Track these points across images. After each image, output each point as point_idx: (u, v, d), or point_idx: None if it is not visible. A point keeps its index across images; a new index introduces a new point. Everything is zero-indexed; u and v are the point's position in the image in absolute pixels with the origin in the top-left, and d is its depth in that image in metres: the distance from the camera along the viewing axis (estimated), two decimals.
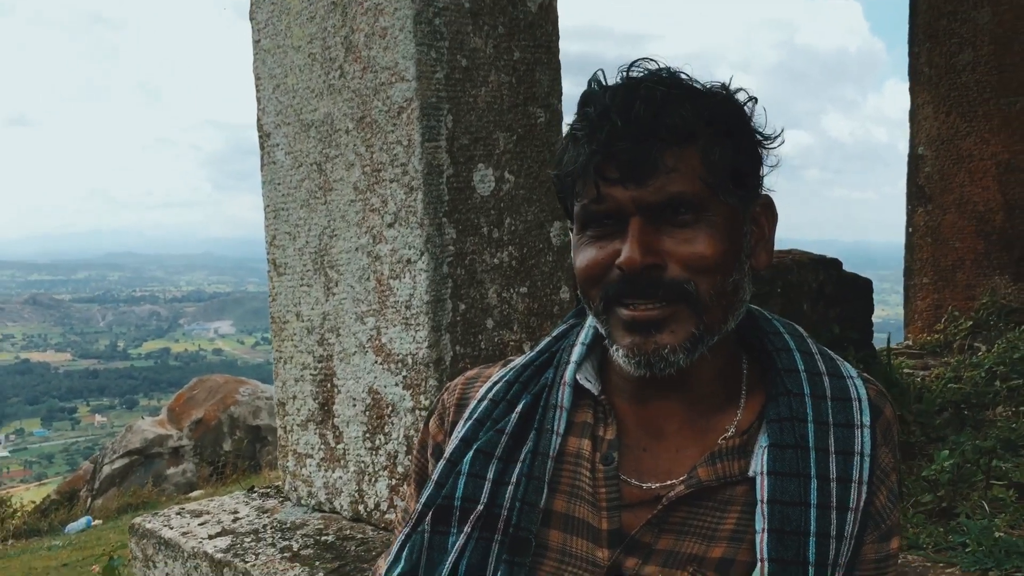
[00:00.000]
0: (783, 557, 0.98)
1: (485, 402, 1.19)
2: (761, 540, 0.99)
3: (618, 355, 1.06)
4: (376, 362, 2.50)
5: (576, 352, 1.18)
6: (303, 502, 2.81)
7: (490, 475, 1.12)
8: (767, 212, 1.11)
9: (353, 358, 2.57)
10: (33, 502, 13.40)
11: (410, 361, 2.41)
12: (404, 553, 1.12)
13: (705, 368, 1.08)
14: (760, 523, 1.00)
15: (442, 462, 1.16)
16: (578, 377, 1.15)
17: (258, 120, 2.83)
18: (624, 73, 1.05)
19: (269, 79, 2.77)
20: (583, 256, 1.06)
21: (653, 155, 0.99)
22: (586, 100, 1.05)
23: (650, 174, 0.99)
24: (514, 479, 1.11)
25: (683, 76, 1.05)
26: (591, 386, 1.14)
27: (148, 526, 2.73)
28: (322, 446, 2.71)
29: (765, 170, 1.11)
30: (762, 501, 1.01)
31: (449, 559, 1.09)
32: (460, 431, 1.17)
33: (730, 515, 1.04)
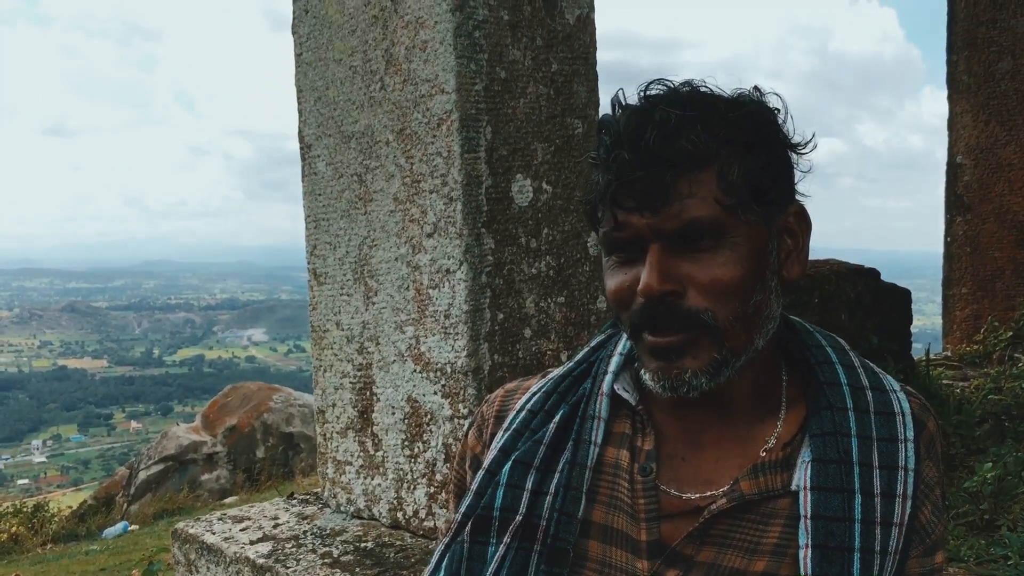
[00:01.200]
0: (827, 572, 0.97)
1: (523, 413, 1.20)
2: (805, 555, 0.99)
3: (646, 378, 1.07)
4: (415, 371, 2.53)
5: (614, 362, 1.18)
6: (342, 509, 2.84)
7: (528, 485, 1.12)
8: (800, 221, 1.10)
9: (392, 367, 2.60)
10: (70, 507, 13.58)
11: (449, 370, 2.43)
12: (444, 563, 1.13)
13: (740, 384, 1.08)
14: (804, 538, 1.00)
15: (481, 472, 1.16)
16: (616, 387, 1.15)
17: (299, 131, 2.88)
18: (642, 93, 1.04)
19: (311, 91, 2.81)
20: (611, 281, 1.07)
21: (666, 182, 0.98)
22: (601, 126, 1.05)
23: (664, 202, 0.99)
24: (552, 489, 1.11)
25: (705, 91, 1.04)
26: (629, 396, 1.15)
27: (191, 531, 2.78)
28: (361, 453, 2.74)
29: (798, 176, 1.09)
30: (805, 516, 1.00)
31: (489, 569, 1.10)
32: (499, 441, 1.18)
33: (773, 529, 1.04)
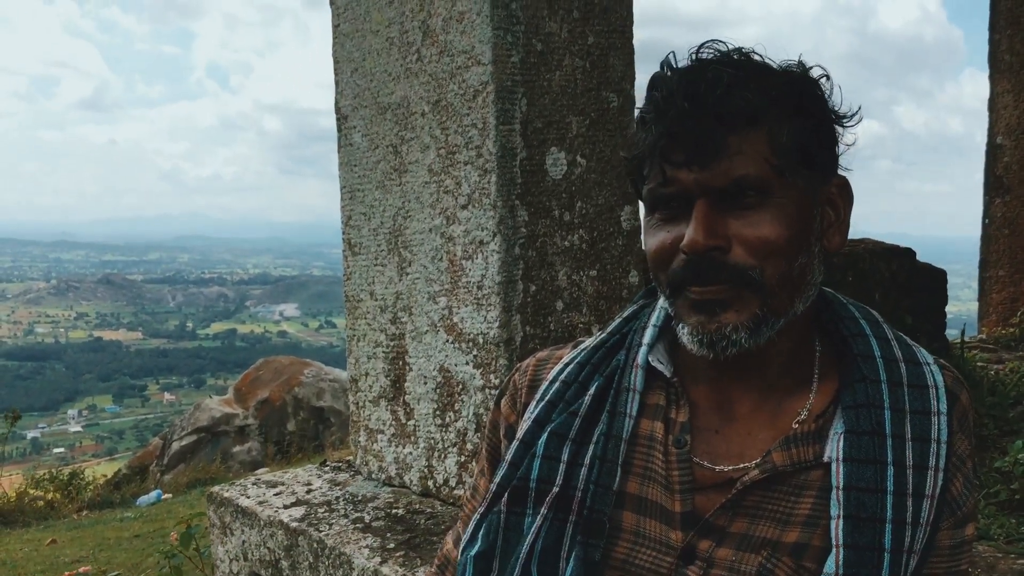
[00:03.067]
0: (859, 543, 0.98)
1: (557, 384, 1.20)
2: (836, 526, 0.99)
3: (683, 333, 1.06)
4: (447, 341, 2.55)
5: (648, 334, 1.18)
6: (374, 476, 2.88)
7: (564, 457, 1.13)
8: (842, 193, 1.10)
9: (425, 337, 2.63)
10: (105, 475, 13.83)
11: (481, 341, 2.45)
12: (481, 533, 1.14)
13: (776, 350, 1.08)
14: (835, 509, 1.00)
15: (515, 443, 1.18)
16: (650, 359, 1.16)
17: (336, 103, 2.90)
18: (694, 55, 1.05)
19: (347, 63, 2.83)
20: (652, 239, 1.07)
21: (717, 138, 0.99)
22: (654, 83, 1.06)
23: (714, 157, 0.99)
24: (587, 461, 1.13)
25: (755, 56, 1.05)
26: (663, 368, 1.15)
27: (226, 495, 2.83)
28: (393, 422, 2.78)
29: (841, 149, 1.10)
30: (838, 487, 1.01)
31: (525, 539, 1.11)
32: (533, 412, 1.19)
33: (805, 500, 1.04)
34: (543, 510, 1.11)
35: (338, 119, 2.89)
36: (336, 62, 2.89)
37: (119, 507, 11.08)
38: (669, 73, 1.04)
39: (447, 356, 2.56)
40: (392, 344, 2.76)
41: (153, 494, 11.43)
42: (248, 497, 2.79)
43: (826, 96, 1.07)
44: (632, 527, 1.10)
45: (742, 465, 1.08)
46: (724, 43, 1.06)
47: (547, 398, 1.20)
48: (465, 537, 1.17)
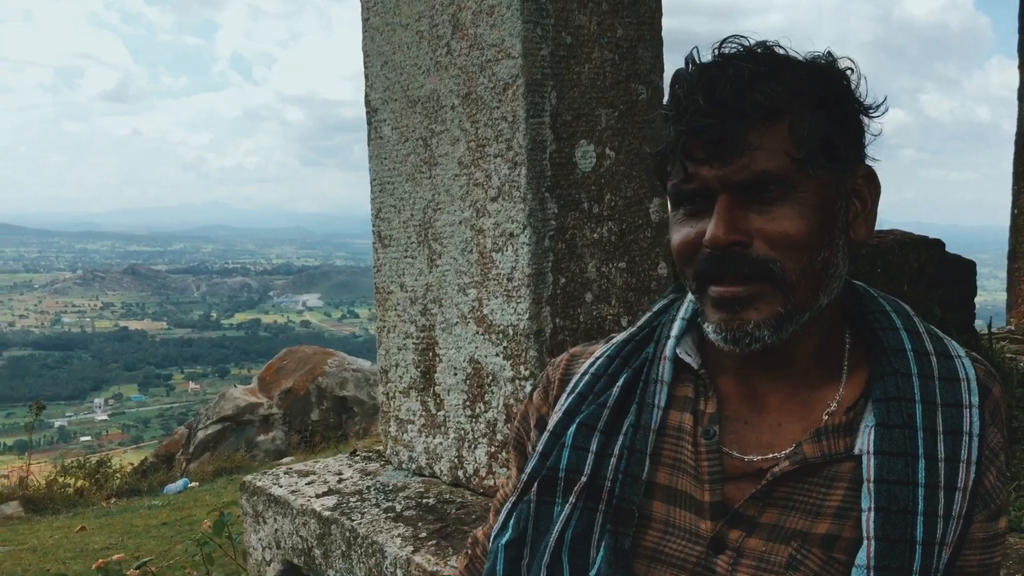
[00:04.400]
0: (890, 535, 0.99)
1: (587, 377, 1.22)
2: (868, 518, 1.00)
3: (708, 330, 1.08)
4: (477, 332, 2.57)
5: (676, 327, 1.19)
6: (404, 466, 2.91)
7: (593, 447, 1.15)
8: (869, 184, 1.10)
9: (455, 328, 2.65)
10: (132, 463, 13.99)
11: (511, 332, 2.47)
12: (511, 522, 1.16)
13: (803, 343, 1.09)
14: (867, 501, 1.01)
15: (546, 434, 1.19)
16: (678, 351, 1.17)
17: (366, 96, 2.92)
18: (716, 50, 1.06)
19: (377, 56, 2.85)
20: (677, 234, 1.08)
21: (737, 134, 0.99)
22: (675, 79, 1.06)
23: (735, 153, 1.00)
24: (616, 451, 1.14)
25: (778, 49, 1.05)
26: (691, 360, 1.16)
27: (258, 484, 2.87)
28: (423, 413, 2.80)
29: (868, 139, 1.09)
30: (869, 480, 1.01)
31: (555, 528, 1.13)
32: (563, 404, 1.21)
33: (835, 492, 1.05)
34: (572, 499, 1.13)
35: (368, 112, 2.91)
36: (366, 56, 2.91)
37: (146, 495, 11.21)
38: (690, 69, 1.05)
39: (477, 347, 2.58)
40: (422, 335, 2.78)
41: (180, 482, 11.56)
42: (280, 486, 2.82)
43: (851, 87, 1.07)
44: (662, 516, 1.11)
45: (771, 456, 1.09)
46: (747, 38, 1.06)
47: (577, 390, 1.21)
48: (496, 526, 1.19)
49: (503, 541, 1.16)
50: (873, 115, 1.09)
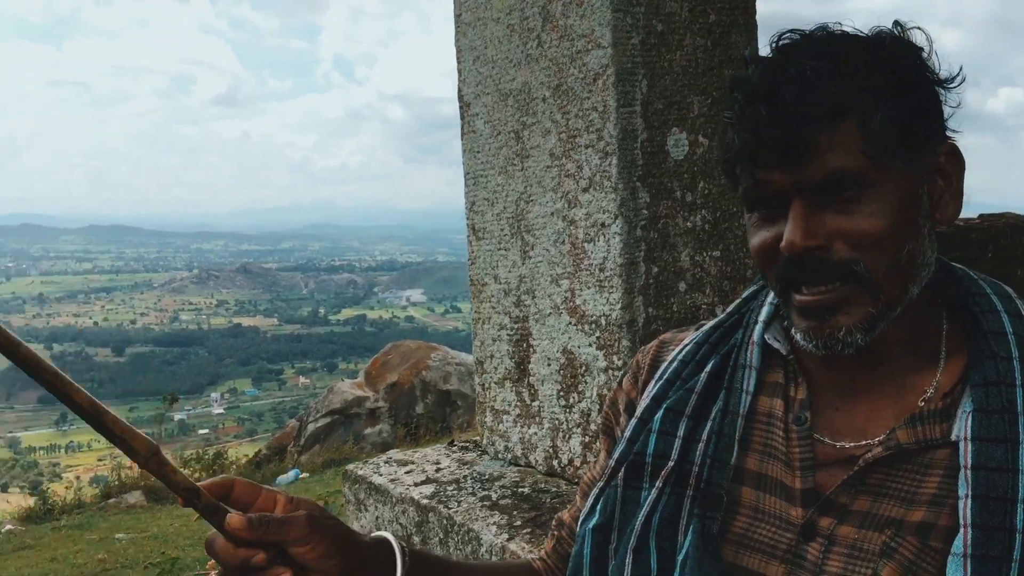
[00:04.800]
0: (988, 523, 0.95)
1: (675, 363, 1.22)
2: (964, 506, 0.96)
3: (797, 337, 1.06)
4: (570, 323, 2.59)
5: (764, 312, 1.18)
6: (500, 456, 2.95)
7: (680, 432, 1.15)
8: (952, 160, 1.06)
9: (548, 319, 2.67)
10: (247, 455, 14.54)
11: (603, 322, 2.47)
12: (599, 506, 1.17)
13: (895, 332, 1.05)
14: (963, 489, 0.97)
15: (633, 420, 1.20)
16: (767, 337, 1.16)
17: (459, 91, 2.96)
18: (775, 45, 1.03)
19: (469, 51, 2.89)
20: (754, 239, 1.06)
21: (805, 137, 0.97)
22: (734, 85, 1.04)
23: (804, 156, 0.97)
24: (704, 437, 1.14)
25: (840, 34, 1.02)
26: (779, 346, 1.15)
27: (360, 472, 2.95)
28: (518, 403, 2.83)
29: (948, 112, 1.05)
30: (966, 467, 0.98)
31: (642, 512, 1.13)
32: (651, 390, 1.21)
33: (930, 479, 1.02)
34: (659, 483, 1.13)
35: (461, 107, 2.95)
36: (458, 51, 2.95)
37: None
38: (749, 73, 1.02)
39: (570, 338, 2.59)
40: (516, 326, 2.81)
41: (291, 473, 11.96)
42: (381, 475, 2.90)
43: (925, 62, 1.03)
44: (751, 503, 1.10)
45: (864, 442, 1.07)
46: (803, 30, 1.03)
47: (665, 376, 1.22)
48: (584, 510, 1.20)
49: (590, 525, 1.17)
50: (950, 87, 1.04)
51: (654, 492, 1.13)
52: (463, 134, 2.95)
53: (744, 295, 1.26)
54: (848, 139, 0.98)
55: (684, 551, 1.10)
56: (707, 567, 1.08)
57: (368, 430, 13.48)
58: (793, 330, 1.06)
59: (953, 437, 1.02)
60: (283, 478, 11.58)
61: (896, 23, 1.04)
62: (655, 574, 1.11)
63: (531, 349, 2.76)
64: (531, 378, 2.77)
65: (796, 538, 1.06)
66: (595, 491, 1.19)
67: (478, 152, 2.88)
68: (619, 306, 2.42)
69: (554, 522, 1.37)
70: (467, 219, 2.98)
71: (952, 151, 1.07)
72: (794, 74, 0.98)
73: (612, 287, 2.43)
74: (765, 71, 1.01)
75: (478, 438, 3.12)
